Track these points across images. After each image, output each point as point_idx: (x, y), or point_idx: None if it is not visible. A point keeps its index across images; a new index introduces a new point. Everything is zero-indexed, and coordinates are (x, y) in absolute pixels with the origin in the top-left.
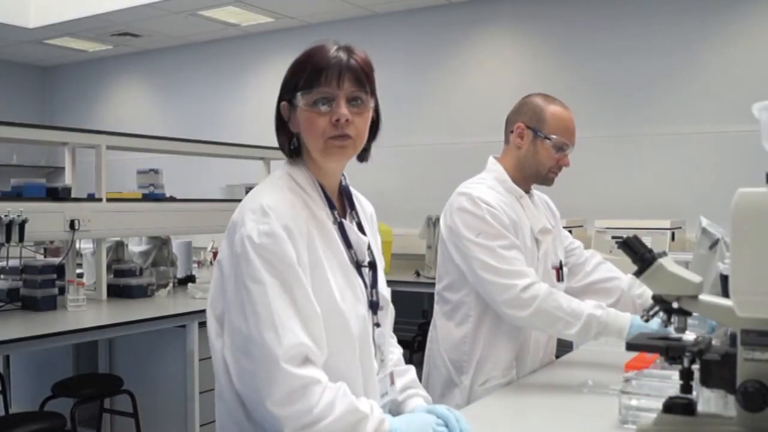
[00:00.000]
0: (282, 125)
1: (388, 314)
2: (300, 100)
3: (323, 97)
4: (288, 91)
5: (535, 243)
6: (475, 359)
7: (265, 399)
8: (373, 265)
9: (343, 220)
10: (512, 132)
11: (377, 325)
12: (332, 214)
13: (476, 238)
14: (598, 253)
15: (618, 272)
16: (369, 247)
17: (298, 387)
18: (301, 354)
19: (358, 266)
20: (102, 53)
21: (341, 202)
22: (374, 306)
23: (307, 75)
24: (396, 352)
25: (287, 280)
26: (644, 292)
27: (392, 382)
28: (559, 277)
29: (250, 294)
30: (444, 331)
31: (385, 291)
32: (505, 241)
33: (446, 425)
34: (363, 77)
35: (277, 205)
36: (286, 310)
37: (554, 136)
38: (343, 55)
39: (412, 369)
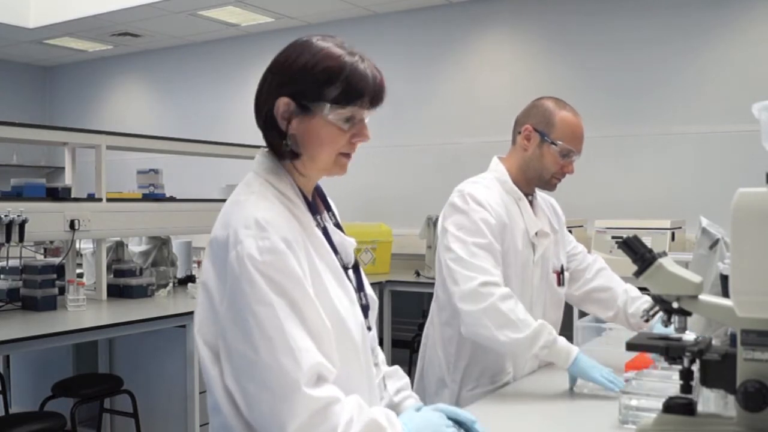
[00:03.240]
0: (273, 122)
1: (375, 315)
2: (327, 111)
3: (353, 116)
4: (303, 93)
5: (531, 246)
6: (462, 362)
7: (286, 427)
8: (356, 267)
9: (326, 224)
10: (520, 133)
11: (369, 328)
12: (315, 219)
13: (456, 232)
14: (601, 258)
15: (618, 282)
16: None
17: (319, 409)
18: (316, 374)
19: (345, 270)
20: (102, 53)
21: (316, 205)
22: (365, 309)
23: (343, 90)
24: (379, 350)
25: (295, 298)
26: (636, 311)
27: (385, 386)
28: (560, 282)
29: (257, 318)
30: (439, 329)
31: (370, 290)
32: (482, 240)
33: (457, 421)
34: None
35: (271, 217)
36: (299, 330)
37: (561, 142)
38: (377, 75)
39: (399, 369)
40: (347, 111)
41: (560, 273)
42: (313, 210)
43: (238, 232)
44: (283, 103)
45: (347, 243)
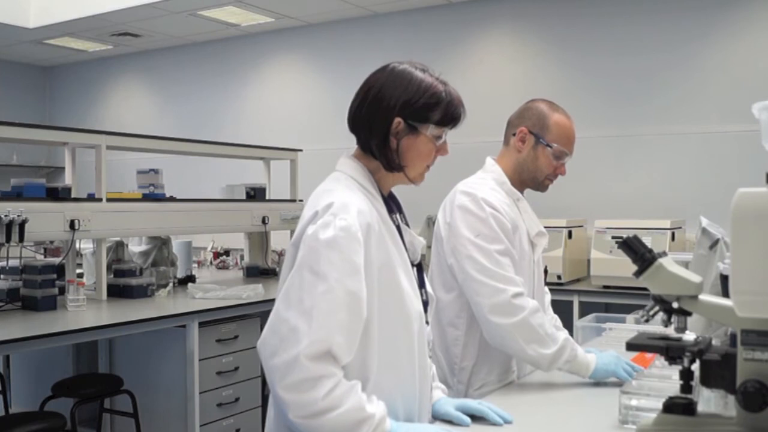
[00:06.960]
0: (385, 137)
1: (433, 312)
2: (431, 130)
3: (442, 135)
4: (412, 114)
5: (531, 246)
6: (469, 363)
7: (277, 382)
8: (420, 266)
9: (399, 223)
10: (514, 135)
11: (427, 322)
12: (391, 218)
13: (475, 239)
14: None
15: None
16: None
17: (310, 378)
18: (324, 349)
19: (412, 266)
20: (102, 53)
21: (391, 205)
22: (425, 305)
23: (444, 114)
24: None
25: (343, 278)
26: None
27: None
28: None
29: (302, 281)
30: (437, 331)
31: (430, 289)
32: (501, 246)
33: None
34: None
35: (356, 204)
36: (329, 306)
37: (555, 145)
38: (461, 99)
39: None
40: (444, 131)
41: (545, 272)
42: (390, 208)
43: (324, 211)
44: (395, 123)
45: (416, 242)
